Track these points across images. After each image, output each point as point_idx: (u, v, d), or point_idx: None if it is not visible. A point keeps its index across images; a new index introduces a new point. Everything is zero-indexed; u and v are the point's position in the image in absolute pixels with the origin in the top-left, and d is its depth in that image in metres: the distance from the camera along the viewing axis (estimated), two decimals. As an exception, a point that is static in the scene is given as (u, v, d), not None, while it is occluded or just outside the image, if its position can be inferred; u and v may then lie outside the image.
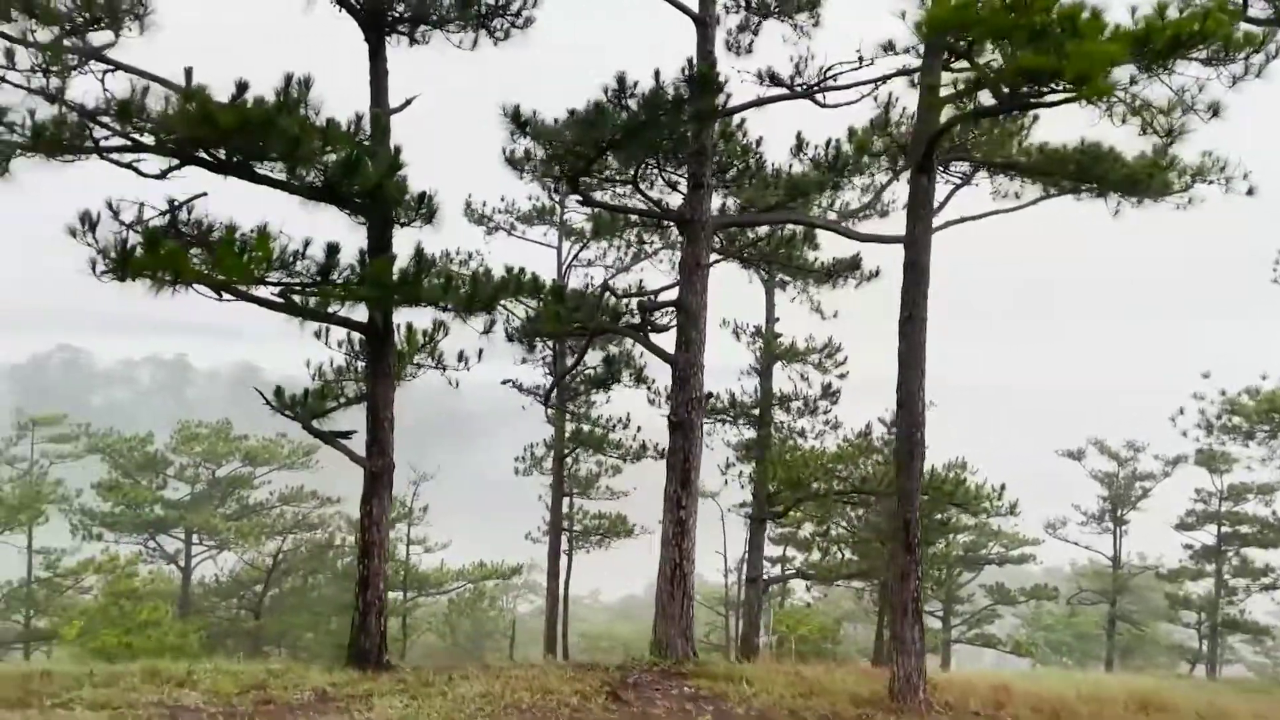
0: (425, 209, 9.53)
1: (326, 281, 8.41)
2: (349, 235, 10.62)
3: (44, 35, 8.82)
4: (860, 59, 11.79)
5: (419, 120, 11.49)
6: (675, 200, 13.86)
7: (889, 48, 10.35)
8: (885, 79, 12.77)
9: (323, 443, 11.45)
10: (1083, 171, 10.12)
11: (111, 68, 9.14)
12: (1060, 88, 7.19)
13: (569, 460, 28.15)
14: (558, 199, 25.44)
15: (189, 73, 7.78)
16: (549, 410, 25.61)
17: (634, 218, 17.90)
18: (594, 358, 26.01)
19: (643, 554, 33.10)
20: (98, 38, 9.07)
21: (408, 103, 10.73)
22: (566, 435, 25.03)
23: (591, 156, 10.61)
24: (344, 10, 10.53)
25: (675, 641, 12.15)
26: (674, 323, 14.02)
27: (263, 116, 7.94)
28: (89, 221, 7.75)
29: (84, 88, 8.85)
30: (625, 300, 13.62)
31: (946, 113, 10.03)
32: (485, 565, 37.82)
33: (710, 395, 13.12)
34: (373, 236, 10.22)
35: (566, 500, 26.07)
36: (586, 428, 24.01)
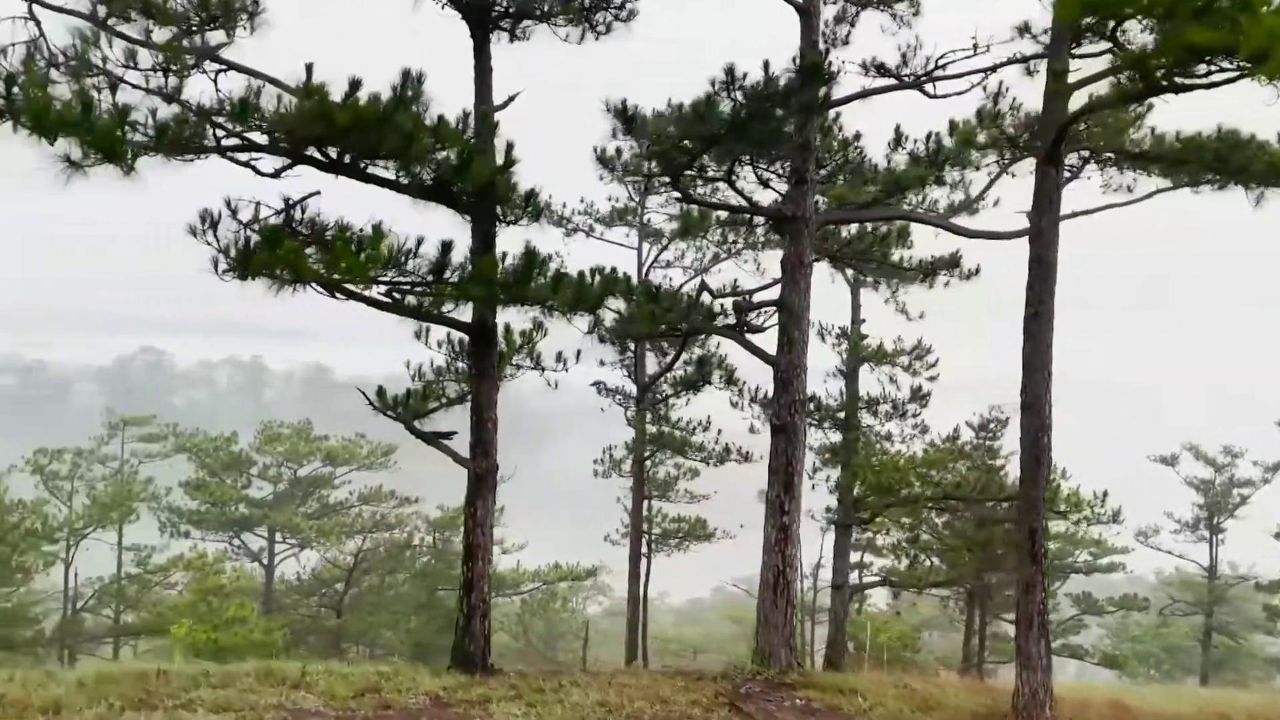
0: (532, 207, 9.35)
1: (440, 280, 8.27)
2: (445, 234, 10.55)
3: (159, 35, 8.85)
4: (975, 46, 11.32)
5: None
6: (764, 197, 13.53)
7: (1024, 29, 9.88)
8: (997, 67, 12.29)
9: (425, 444, 11.34)
10: (1221, 161, 9.53)
11: (224, 67, 9.14)
12: (1230, 66, 6.69)
13: (647, 463, 27.96)
14: (637, 200, 25.31)
15: (309, 68, 7.70)
16: (628, 413, 25.43)
17: (720, 216, 17.58)
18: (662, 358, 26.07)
19: (708, 557, 32.86)
20: (211, 38, 9.08)
21: (511, 99, 10.59)
22: (646, 438, 24.78)
23: (697, 151, 10.34)
24: (449, 7, 10.42)
25: (779, 651, 11.80)
26: (769, 323, 13.69)
27: (378, 114, 7.83)
28: (210, 220, 7.72)
29: (197, 88, 8.86)
30: (720, 300, 13.28)
31: (1070, 101, 9.54)
32: (560, 567, 37.77)
33: (813, 398, 12.72)
34: (478, 235, 10.08)
35: (645, 503, 25.81)
36: (668, 430, 23.73)
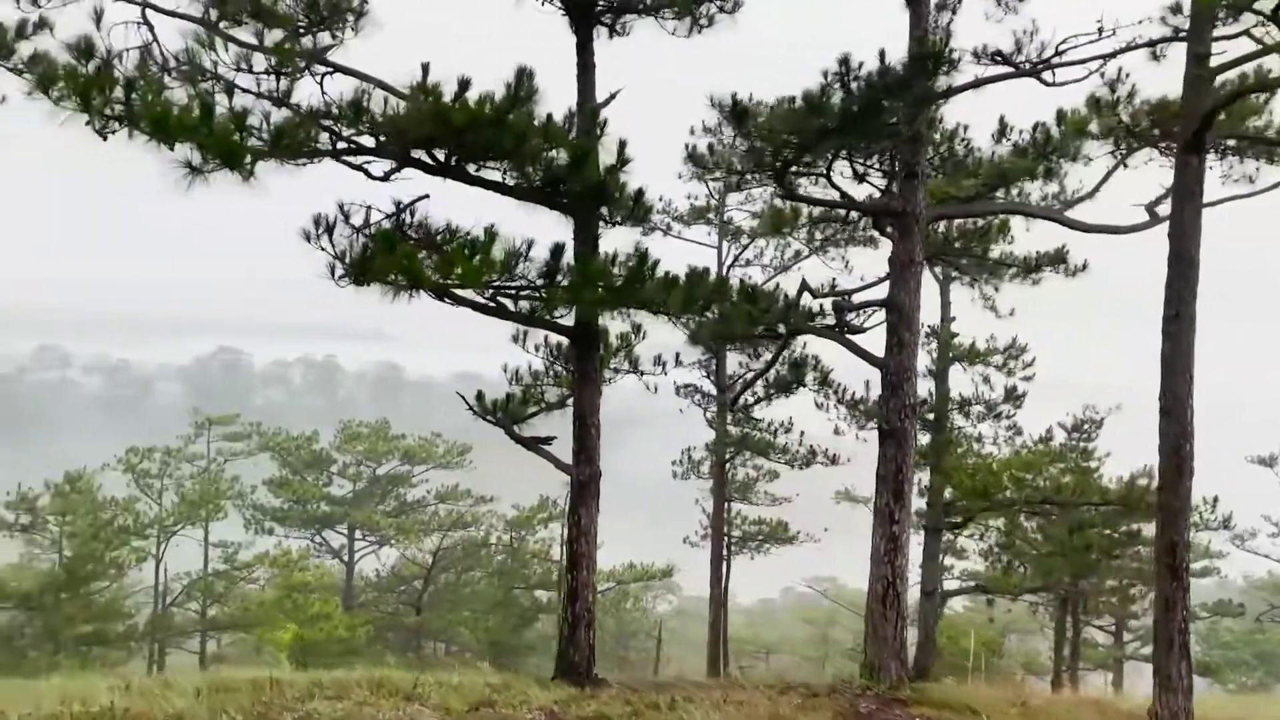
0: (640, 208, 9.06)
1: (552, 284, 8.03)
2: (540, 236, 10.34)
3: (268, 39, 8.77)
4: (1100, 30, 10.72)
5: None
6: (857, 193, 13.05)
7: (1175, 8, 9.28)
8: (1119, 52, 11.66)
9: (525, 449, 11.16)
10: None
11: (330, 70, 9.04)
12: None
13: (727, 465, 27.57)
14: (717, 198, 24.94)
15: (425, 68, 7.52)
16: (708, 414, 25.08)
17: (812, 212, 17.10)
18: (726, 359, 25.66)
19: (776, 558, 32.34)
20: (318, 39, 8.98)
21: (612, 97, 10.31)
22: (728, 440, 24.40)
23: (809, 145, 9.95)
24: (549, 3, 10.19)
25: (889, 664, 11.36)
26: (868, 323, 13.22)
27: (493, 114, 7.62)
28: (325, 225, 7.59)
29: (303, 91, 8.77)
30: (820, 300, 12.84)
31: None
32: (635, 567, 37.57)
33: (923, 402, 12.23)
34: (580, 237, 9.83)
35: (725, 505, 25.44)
36: (752, 432, 23.30)
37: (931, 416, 23.44)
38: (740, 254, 24.85)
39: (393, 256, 7.24)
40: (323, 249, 7.75)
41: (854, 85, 9.48)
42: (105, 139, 6.89)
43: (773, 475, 28.06)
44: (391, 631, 37.74)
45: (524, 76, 7.83)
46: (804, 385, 14.78)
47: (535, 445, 10.95)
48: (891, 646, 11.41)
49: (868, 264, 19.35)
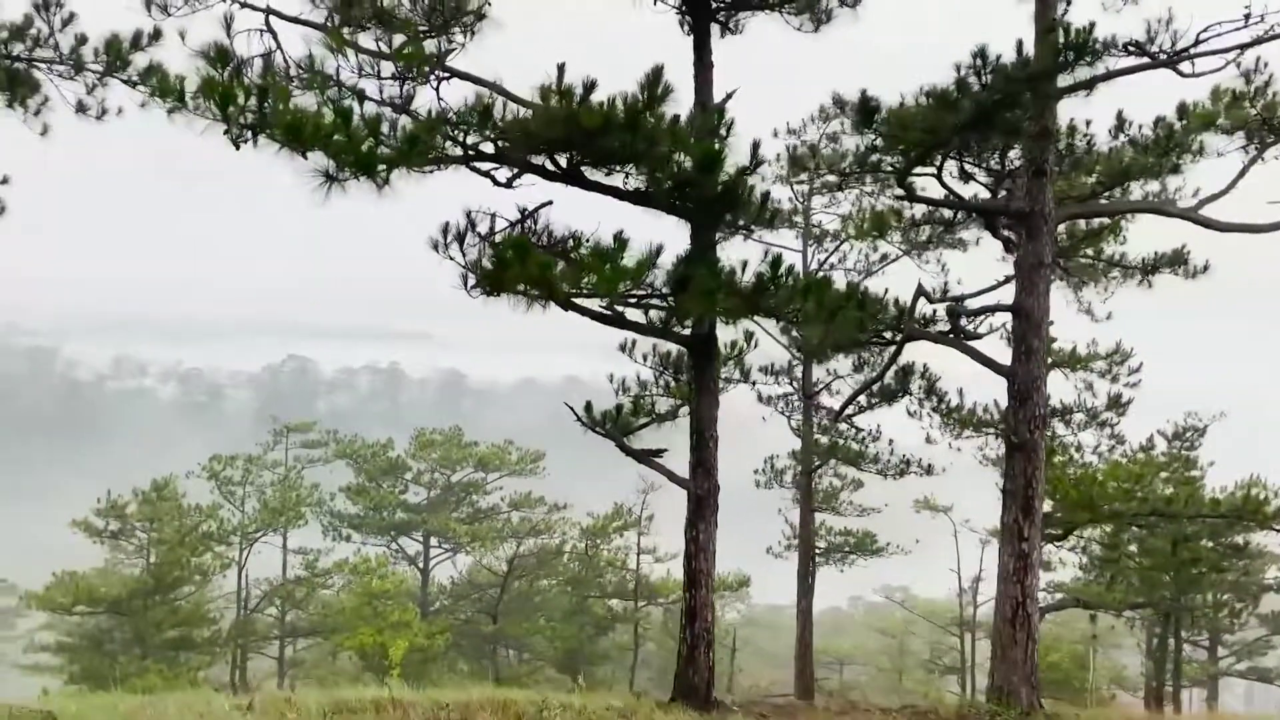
0: (766, 212, 8.67)
1: (684, 291, 7.68)
2: (644, 240, 10.01)
3: (387, 45, 8.58)
4: (1247, 17, 10.06)
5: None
6: (963, 192, 12.48)
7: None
8: (1259, 40, 10.96)
9: (636, 461, 10.83)
10: None
11: (447, 75, 8.82)
12: None
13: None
14: (803, 200, 24.41)
15: (561, 69, 7.23)
16: (792, 422, 24.57)
17: (913, 214, 16.50)
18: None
19: (851, 568, 31.56)
20: (434, 44, 8.77)
21: (728, 97, 9.94)
22: (815, 448, 23.83)
23: (943, 143, 9.47)
24: (663, 1, 9.87)
25: (1019, 689, 10.78)
26: (980, 330, 12.67)
27: (627, 116, 7.30)
28: (455, 234, 7.35)
29: (421, 97, 8.55)
30: (935, 305, 12.31)
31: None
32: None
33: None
34: (698, 243, 9.46)
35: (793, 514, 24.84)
36: (842, 442, 22.72)
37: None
38: (826, 258, 24.29)
39: (526, 266, 6.95)
40: (451, 258, 7.50)
41: (987, 79, 8.98)
42: (238, 148, 6.72)
43: (857, 485, 27.44)
44: (464, 639, 37.75)
45: (657, 77, 7.49)
46: (910, 394, 14.20)
47: (648, 459, 10.61)
48: (1022, 670, 10.82)
49: (962, 268, 18.74)
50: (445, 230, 7.56)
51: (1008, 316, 12.78)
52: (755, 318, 8.89)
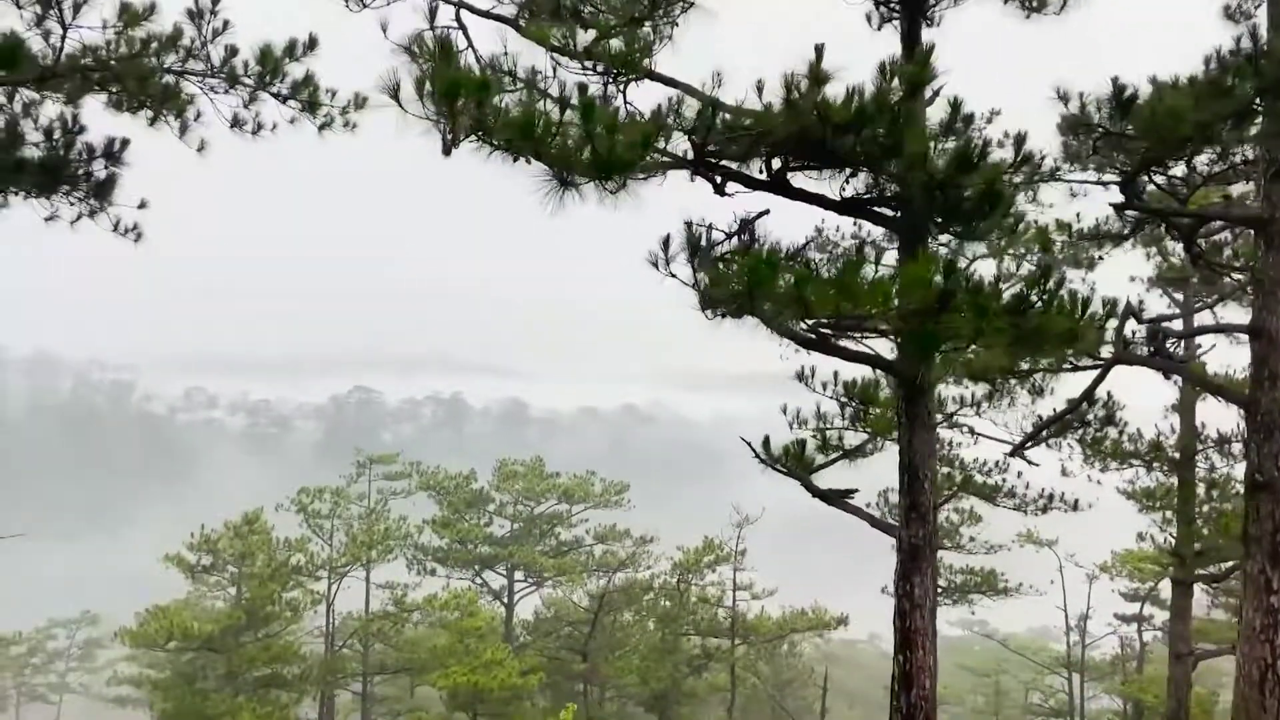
0: (1012, 220, 7.56)
1: (945, 311, 6.59)
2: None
3: (583, 39, 7.70)
4: None
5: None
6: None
7: None
8: None
9: (825, 504, 9.72)
10: None
11: (639, 76, 7.89)
12: None
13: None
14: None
15: (820, 51, 6.24)
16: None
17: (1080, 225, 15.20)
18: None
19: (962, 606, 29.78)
20: (637, 39, 7.85)
21: (935, 94, 8.88)
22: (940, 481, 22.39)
23: (1212, 138, 8.30)
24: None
25: (1274, 765, 9.37)
26: (1183, 354, 11.34)
27: (877, 107, 6.29)
28: (687, 247, 6.38)
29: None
30: (1141, 326, 11.03)
31: None
32: (807, 613, 35.55)
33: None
34: (907, 253, 8.38)
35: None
36: (973, 475, 21.29)
37: (1176, 455, 21.00)
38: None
39: (774, 282, 5.95)
40: (674, 275, 6.52)
41: (1259, 65, 7.79)
42: (449, 153, 5.82)
43: (975, 519, 25.92)
44: (556, 676, 36.69)
45: (907, 64, 6.47)
46: (1087, 425, 12.88)
47: (840, 501, 9.51)
48: (1275, 742, 9.41)
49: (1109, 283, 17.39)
50: (666, 244, 6.59)
51: (1216, 338, 11.43)
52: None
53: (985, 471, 22.16)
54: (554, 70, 7.33)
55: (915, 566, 8.81)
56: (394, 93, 5.69)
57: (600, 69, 7.00)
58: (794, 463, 9.90)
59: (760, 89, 7.04)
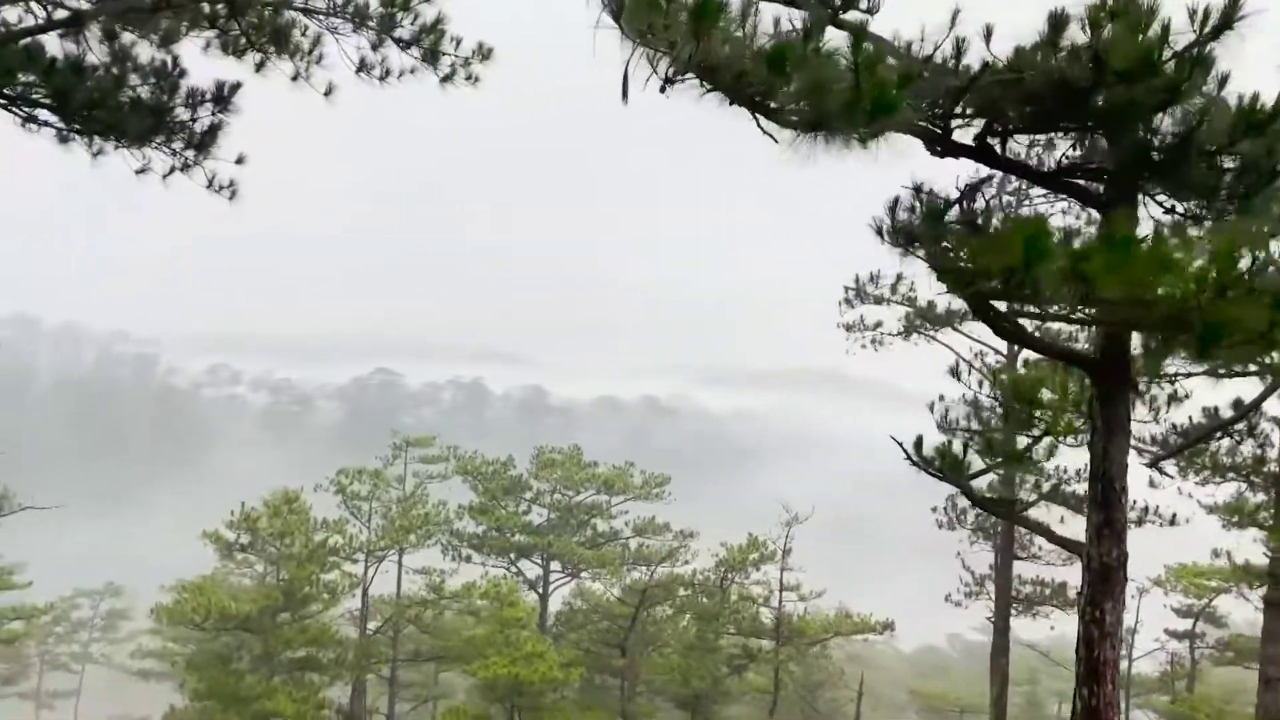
0: None
1: (1224, 298, 5.62)
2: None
3: None
4: None
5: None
6: None
7: None
8: None
9: (986, 512, 8.76)
10: None
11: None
12: None
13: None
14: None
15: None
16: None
17: None
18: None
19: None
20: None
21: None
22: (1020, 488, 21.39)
23: None
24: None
25: None
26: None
27: (1175, 54, 5.33)
28: (929, 212, 5.45)
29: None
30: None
31: None
32: (851, 617, 34.61)
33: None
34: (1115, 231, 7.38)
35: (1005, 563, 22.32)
36: (1062, 484, 20.27)
37: (1272, 469, 19.90)
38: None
39: (1055, 260, 5.02)
40: (903, 245, 5.58)
41: None
42: (665, 90, 4.92)
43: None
44: (594, 672, 35.93)
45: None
46: (1235, 437, 11.84)
47: (1012, 513, 8.58)
48: None
49: None
50: (894, 208, 5.67)
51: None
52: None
53: (1065, 480, 21.17)
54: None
55: (1106, 590, 7.85)
56: (615, 11, 4.78)
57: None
58: (948, 466, 8.97)
59: (988, 35, 6.12)
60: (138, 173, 9.36)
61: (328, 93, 8.27)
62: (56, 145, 9.24)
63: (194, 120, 8.48)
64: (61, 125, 8.83)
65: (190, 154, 9.21)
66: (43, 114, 8.72)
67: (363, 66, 8.29)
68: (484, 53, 9.00)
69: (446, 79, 8.93)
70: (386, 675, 37.18)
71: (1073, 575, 25.47)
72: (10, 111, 8.52)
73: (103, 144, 9.05)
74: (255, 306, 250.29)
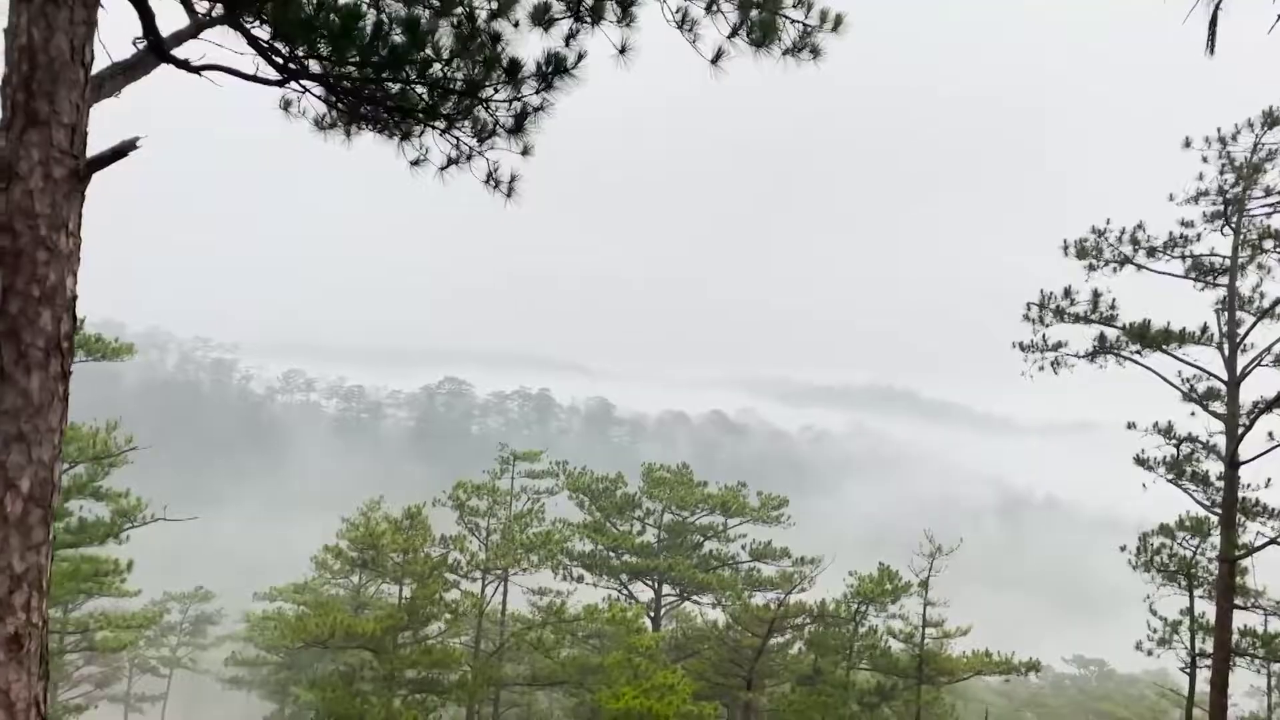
0: None
1: None
2: None
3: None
4: None
5: None
6: None
7: None
8: None
9: None
10: None
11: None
12: None
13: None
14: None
15: None
16: (1210, 495, 20.16)
17: None
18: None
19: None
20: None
21: None
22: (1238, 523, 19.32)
23: None
24: None
25: None
26: None
27: None
28: None
29: None
30: None
31: None
32: (991, 656, 32.48)
33: None
34: None
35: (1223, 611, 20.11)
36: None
37: None
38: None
39: None
40: None
41: None
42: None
43: (1242, 571, 22.68)
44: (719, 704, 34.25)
45: None
46: None
47: None
48: None
49: None
50: None
51: None
52: None
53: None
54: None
55: None
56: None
57: None
58: None
59: None
60: (413, 164, 8.13)
61: (717, 58, 6.85)
62: (313, 131, 8.08)
63: (519, 99, 7.19)
64: (342, 104, 7.61)
65: (474, 142, 7.95)
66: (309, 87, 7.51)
67: (685, 20, 6.89)
68: (833, 21, 7.59)
69: (795, 49, 7.52)
70: (492, 696, 36.03)
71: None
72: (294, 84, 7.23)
73: (389, 129, 7.83)
74: (328, 316, 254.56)
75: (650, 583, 38.40)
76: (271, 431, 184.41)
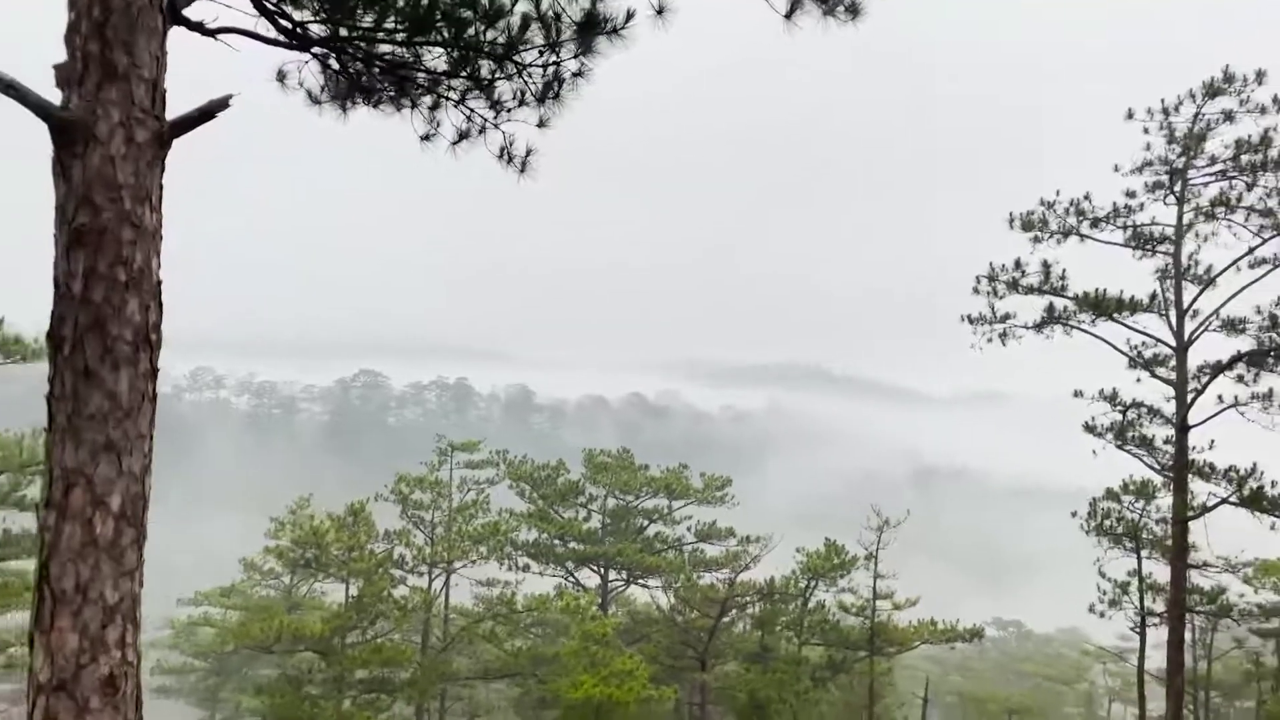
0: None
1: None
2: None
3: None
4: None
5: None
6: None
7: None
8: None
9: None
10: None
11: None
12: None
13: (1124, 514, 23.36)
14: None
15: None
16: (1160, 460, 20.79)
17: None
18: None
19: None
20: None
21: None
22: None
23: None
24: None
25: None
26: None
27: None
28: None
29: None
30: None
31: None
32: (937, 624, 33.17)
33: None
34: None
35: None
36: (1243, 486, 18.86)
37: None
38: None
39: None
40: None
41: None
42: None
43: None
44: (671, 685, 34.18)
45: None
46: None
47: None
48: None
49: None
50: None
51: None
52: None
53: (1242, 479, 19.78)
54: None
55: None
56: None
57: None
58: None
59: None
60: (423, 139, 7.58)
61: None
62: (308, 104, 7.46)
63: (557, 63, 6.71)
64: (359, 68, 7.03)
65: (490, 114, 7.44)
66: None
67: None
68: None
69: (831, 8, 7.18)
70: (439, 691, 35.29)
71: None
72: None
73: (396, 103, 7.27)
74: (237, 310, 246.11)
75: (596, 568, 38.09)
76: (181, 431, 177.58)
